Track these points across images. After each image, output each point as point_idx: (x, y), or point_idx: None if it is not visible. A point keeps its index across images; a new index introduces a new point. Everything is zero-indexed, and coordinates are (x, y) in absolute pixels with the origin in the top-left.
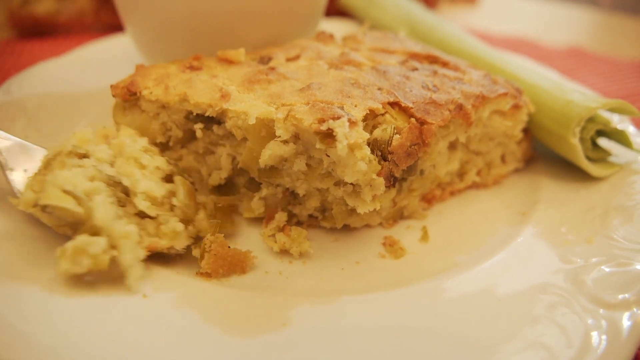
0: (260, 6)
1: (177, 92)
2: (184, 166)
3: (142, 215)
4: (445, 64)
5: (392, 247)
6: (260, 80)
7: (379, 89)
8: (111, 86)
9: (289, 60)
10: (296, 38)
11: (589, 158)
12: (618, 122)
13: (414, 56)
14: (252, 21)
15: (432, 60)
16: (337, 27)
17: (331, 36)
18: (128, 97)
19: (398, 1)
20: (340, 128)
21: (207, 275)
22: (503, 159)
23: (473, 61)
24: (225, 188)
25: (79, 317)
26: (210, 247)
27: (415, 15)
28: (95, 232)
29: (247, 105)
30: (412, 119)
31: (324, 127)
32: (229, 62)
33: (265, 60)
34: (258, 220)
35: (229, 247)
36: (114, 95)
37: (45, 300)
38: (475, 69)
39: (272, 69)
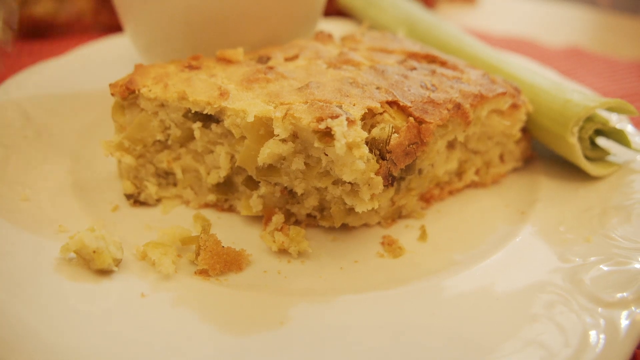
0: (258, 6)
1: (176, 90)
2: (182, 165)
3: None
4: (443, 64)
5: (391, 246)
6: (258, 80)
7: (378, 88)
8: (110, 84)
9: (287, 59)
10: (295, 38)
11: (587, 157)
12: (616, 121)
13: (413, 56)
14: (250, 21)
15: (431, 59)
16: (336, 27)
17: (330, 36)
18: (127, 95)
19: (397, 1)
20: (339, 127)
21: (205, 273)
22: (502, 158)
23: (472, 61)
24: (224, 186)
25: (77, 317)
26: (204, 244)
27: (414, 15)
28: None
29: (246, 103)
30: (411, 118)
31: (322, 126)
32: (228, 61)
33: (263, 59)
34: (257, 220)
35: (222, 246)
36: (112, 94)
37: (44, 299)
38: (474, 69)
39: (271, 68)
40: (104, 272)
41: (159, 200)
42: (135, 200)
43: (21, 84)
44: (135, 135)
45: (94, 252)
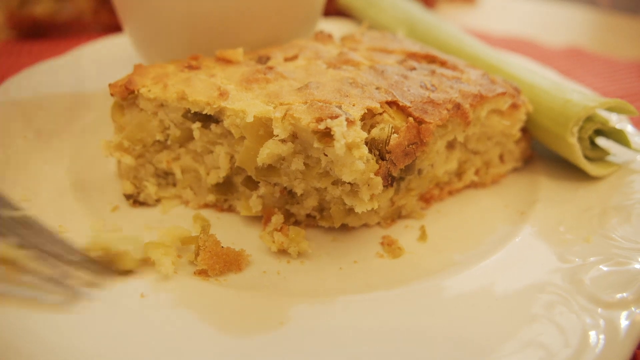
0: (258, 6)
1: (175, 90)
2: (182, 165)
3: None
4: (443, 64)
5: (390, 247)
6: (258, 80)
7: (377, 88)
8: (109, 85)
9: (287, 60)
10: (294, 38)
11: (587, 157)
12: (616, 121)
13: (412, 56)
14: (250, 21)
15: (431, 59)
16: (335, 27)
17: (329, 36)
18: (126, 96)
19: (397, 1)
20: (338, 127)
21: (204, 273)
22: (501, 158)
23: (472, 61)
24: (223, 187)
25: (76, 317)
26: (204, 244)
27: (414, 15)
28: None
29: (245, 103)
30: (410, 119)
31: (321, 126)
32: (227, 61)
33: (263, 59)
34: (256, 220)
35: (222, 247)
36: (112, 94)
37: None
38: (474, 69)
39: (270, 68)
40: (110, 271)
41: (158, 201)
42: (135, 200)
43: (21, 84)
44: (134, 135)
45: (117, 254)
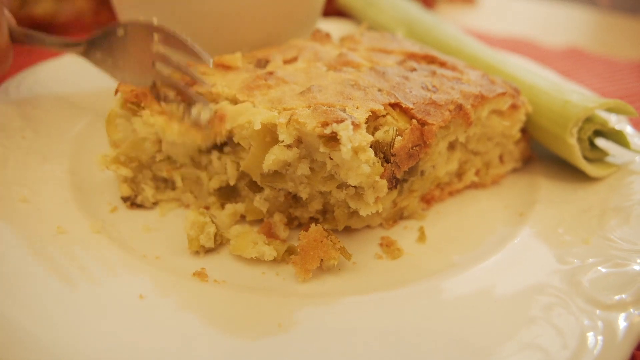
0: (257, 7)
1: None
2: (183, 173)
3: None
4: (443, 64)
5: (389, 248)
6: (259, 86)
7: (379, 90)
8: (119, 82)
9: (286, 62)
10: (293, 38)
11: (586, 158)
12: (616, 122)
13: (412, 56)
14: (249, 22)
15: (430, 60)
16: (335, 27)
17: (327, 35)
18: (132, 101)
19: (396, 1)
20: (345, 131)
21: (203, 275)
22: (501, 159)
23: (471, 61)
24: (226, 190)
25: (74, 318)
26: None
27: (413, 15)
28: None
29: (250, 112)
30: (414, 120)
31: (327, 131)
32: (226, 67)
33: (262, 63)
34: (258, 222)
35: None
36: (117, 91)
37: (44, 299)
38: (473, 69)
39: (271, 73)
40: (108, 272)
41: (155, 204)
42: (132, 202)
43: (20, 84)
44: (130, 153)
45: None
